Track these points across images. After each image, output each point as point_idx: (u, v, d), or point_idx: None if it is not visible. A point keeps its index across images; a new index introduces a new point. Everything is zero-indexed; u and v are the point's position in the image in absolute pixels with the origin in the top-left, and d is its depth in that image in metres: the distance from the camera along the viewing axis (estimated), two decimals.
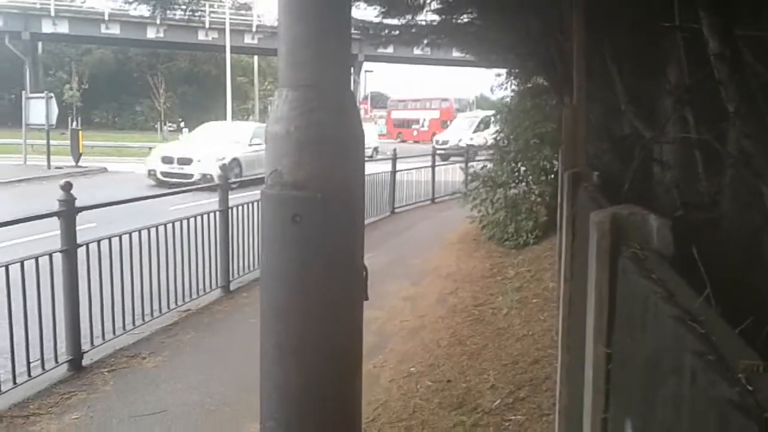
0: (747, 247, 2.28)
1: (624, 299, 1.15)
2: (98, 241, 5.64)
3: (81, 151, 24.58)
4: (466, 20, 9.63)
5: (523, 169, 10.39)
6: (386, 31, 11.90)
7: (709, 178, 2.78)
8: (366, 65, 49.57)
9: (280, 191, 1.59)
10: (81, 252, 5.37)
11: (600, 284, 1.28)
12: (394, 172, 14.53)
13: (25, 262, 4.79)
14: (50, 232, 7.56)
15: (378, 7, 9.46)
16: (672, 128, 3.65)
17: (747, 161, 2.42)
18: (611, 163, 4.59)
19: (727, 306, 1.21)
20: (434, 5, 8.90)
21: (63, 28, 41.08)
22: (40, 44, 47.95)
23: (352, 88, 1.83)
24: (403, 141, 45.51)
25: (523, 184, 10.38)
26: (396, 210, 14.38)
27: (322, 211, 1.58)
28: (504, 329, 6.05)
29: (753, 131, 2.26)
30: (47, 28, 40.98)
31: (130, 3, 7.53)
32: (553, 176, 9.38)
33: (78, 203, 5.25)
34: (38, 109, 22.45)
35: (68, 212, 5.10)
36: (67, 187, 5.13)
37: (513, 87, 13.40)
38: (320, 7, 1.60)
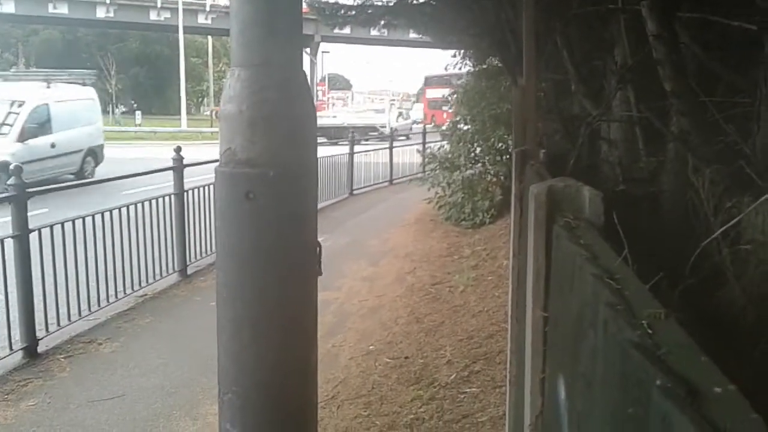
0: (683, 218, 2.41)
1: (557, 265, 1.23)
2: (51, 226, 5.55)
3: None
4: (421, 1, 9.67)
5: (479, 150, 10.52)
6: (342, 12, 11.86)
7: (649, 155, 2.90)
8: (323, 46, 49.08)
9: (233, 169, 1.63)
10: (34, 238, 5.29)
11: (537, 252, 1.36)
12: (352, 153, 14.55)
13: None
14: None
15: None
16: (618, 107, 3.79)
17: (684, 138, 2.55)
18: (561, 142, 4.72)
19: (664, 270, 1.30)
20: None
21: (9, 7, 39.47)
22: None
23: (305, 68, 1.87)
24: (436, 126, 30.48)
25: (480, 165, 10.51)
26: (354, 192, 14.42)
27: (275, 188, 1.62)
28: (460, 306, 6.18)
29: (689, 109, 2.38)
30: None
31: None
32: (508, 157, 9.53)
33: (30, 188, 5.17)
34: None
35: (19, 197, 5.01)
36: (17, 171, 5.04)
37: (469, 68, 13.50)
38: None
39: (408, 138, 25.48)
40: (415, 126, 36.75)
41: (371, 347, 5.43)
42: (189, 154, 7.94)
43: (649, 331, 0.69)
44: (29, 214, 5.18)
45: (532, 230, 1.41)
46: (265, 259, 1.65)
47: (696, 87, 2.27)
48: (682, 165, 2.54)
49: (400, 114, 43.54)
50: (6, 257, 5.01)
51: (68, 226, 5.71)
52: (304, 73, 1.73)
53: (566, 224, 1.21)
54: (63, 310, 5.64)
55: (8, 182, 5.03)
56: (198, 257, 8.06)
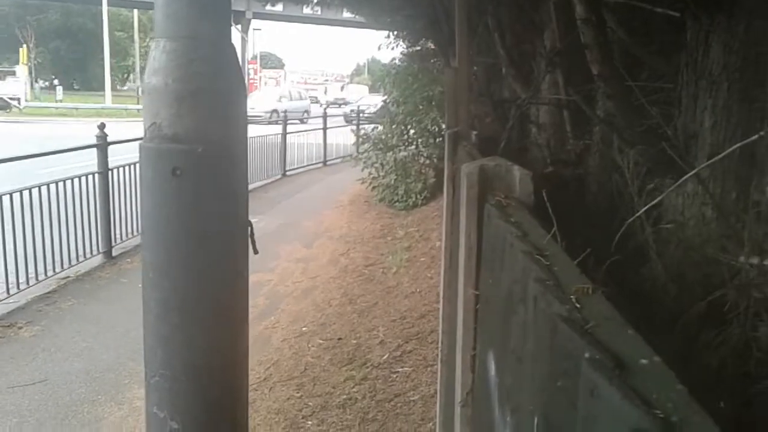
0: (608, 199, 2.48)
1: (488, 243, 1.25)
2: None
3: None
4: None
5: (412, 131, 10.57)
6: None
7: (576, 137, 2.98)
8: (254, 23, 48.04)
9: (159, 144, 1.57)
10: None
11: (469, 231, 1.37)
12: (284, 134, 14.37)
13: None
14: None
15: None
16: (547, 90, 3.86)
17: (610, 121, 2.62)
18: (492, 125, 4.78)
19: (591, 248, 1.33)
20: None
21: None
22: None
23: (236, 45, 1.81)
24: None
25: (413, 146, 10.57)
26: (287, 173, 14.27)
27: (203, 164, 1.57)
28: (393, 287, 6.22)
29: (614, 92, 2.44)
30: None
31: None
32: (440, 139, 9.62)
33: None
34: None
35: None
36: None
37: (402, 50, 13.51)
38: None
39: (303, 122, 25.38)
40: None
41: (304, 329, 5.41)
42: (114, 131, 7.64)
43: (577, 306, 0.70)
44: None
45: (463, 209, 1.42)
46: (194, 237, 1.60)
47: (622, 71, 2.33)
48: (607, 147, 2.62)
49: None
50: None
51: None
52: (233, 47, 1.67)
53: (497, 203, 1.22)
54: None
55: None
56: (124, 238, 7.82)
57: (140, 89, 44.69)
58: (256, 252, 1.84)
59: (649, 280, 1.66)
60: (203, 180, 1.58)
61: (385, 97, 12.05)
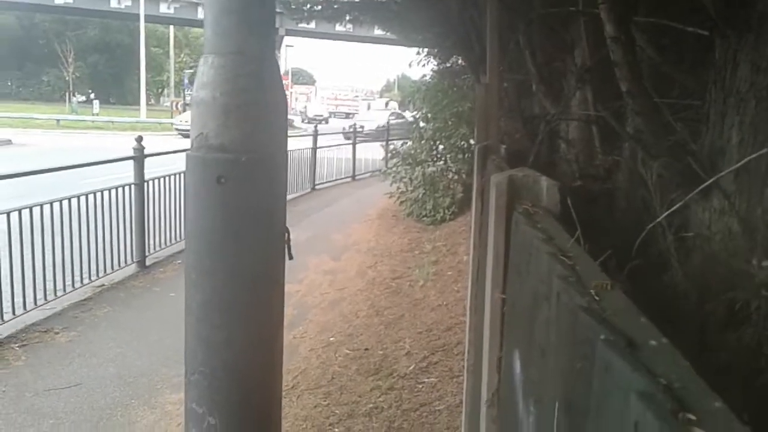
0: (635, 214, 2.52)
1: (516, 248, 1.31)
2: (8, 213, 5.45)
3: None
4: None
5: (441, 147, 10.64)
6: (308, 6, 11.85)
7: (605, 153, 3.02)
8: (287, 40, 48.72)
9: (206, 154, 1.67)
10: None
11: (497, 238, 1.44)
12: (315, 148, 14.55)
13: None
14: None
15: None
16: (577, 107, 3.91)
17: (639, 138, 2.66)
18: (522, 141, 4.83)
19: (614, 256, 1.39)
20: None
21: None
22: None
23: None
24: None
25: (441, 162, 10.64)
26: (317, 187, 14.43)
27: (245, 173, 1.66)
28: (420, 300, 6.27)
29: (643, 110, 2.49)
30: None
31: None
32: (469, 155, 9.67)
33: None
34: None
35: None
36: None
37: (432, 66, 13.61)
38: None
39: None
40: None
41: (331, 339, 5.48)
42: (148, 144, 7.84)
43: (596, 298, 0.76)
44: None
45: (492, 217, 1.49)
46: (235, 242, 1.69)
47: (650, 88, 2.37)
48: (636, 163, 2.66)
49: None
50: None
51: (25, 213, 5.62)
52: (276, 63, 1.78)
53: (525, 211, 1.28)
54: (18, 299, 5.54)
55: None
56: (157, 248, 8.00)
57: (174, 104, 45.54)
58: (291, 257, 1.93)
59: (670, 287, 1.71)
60: (246, 188, 1.68)
61: (414, 112, 12.15)
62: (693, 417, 0.49)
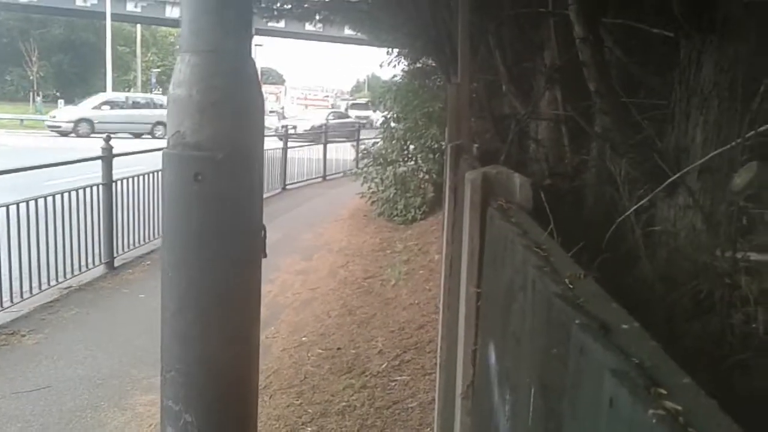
0: (604, 211, 2.58)
1: (491, 243, 1.35)
2: None
3: None
4: None
5: (411, 147, 10.71)
6: (278, 5, 11.80)
7: (573, 152, 3.08)
8: (256, 39, 48.34)
9: (182, 151, 1.67)
10: None
11: (472, 233, 1.47)
12: (285, 148, 14.51)
13: None
14: None
15: None
16: (546, 107, 3.98)
17: (606, 136, 2.73)
18: (492, 140, 4.90)
19: (585, 251, 1.43)
20: None
21: None
22: None
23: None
24: None
25: (412, 162, 10.70)
26: (287, 186, 14.39)
27: (222, 171, 1.67)
28: (392, 299, 6.31)
29: (611, 109, 2.55)
30: None
31: None
32: (440, 154, 9.75)
33: None
34: None
35: None
36: None
37: (403, 67, 13.67)
38: None
39: None
40: None
41: (304, 339, 5.48)
42: (115, 145, 7.73)
43: (570, 286, 0.80)
44: None
45: (467, 214, 1.52)
46: (212, 239, 1.69)
47: (618, 88, 2.44)
48: (604, 162, 2.72)
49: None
50: None
51: None
52: (252, 61, 1.78)
53: (499, 206, 1.32)
54: None
55: None
56: (126, 249, 7.90)
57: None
58: (265, 255, 1.94)
59: (638, 280, 1.76)
60: (223, 185, 1.68)
61: (385, 112, 12.19)
62: (664, 392, 0.52)
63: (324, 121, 27.59)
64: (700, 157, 2.21)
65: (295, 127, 22.75)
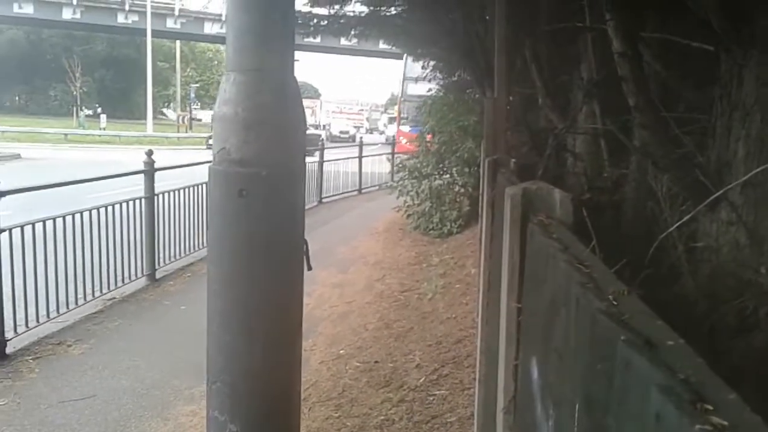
0: (644, 225, 2.56)
1: (531, 258, 1.36)
2: (21, 227, 5.52)
3: None
4: (393, 12, 9.83)
5: (446, 160, 10.70)
6: (314, 21, 11.95)
7: (613, 166, 3.07)
8: None
9: (227, 168, 1.73)
10: (4, 238, 5.26)
11: (512, 249, 1.49)
12: (321, 162, 14.64)
13: None
14: None
15: None
16: (584, 120, 3.96)
17: (646, 151, 2.71)
18: (529, 154, 4.89)
19: (627, 265, 1.43)
20: None
21: None
22: None
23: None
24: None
25: (448, 175, 10.69)
26: (323, 200, 14.51)
27: (266, 187, 1.72)
28: (429, 313, 6.30)
29: (650, 123, 2.54)
30: None
31: None
32: (476, 168, 9.72)
33: None
34: None
35: None
36: None
37: (438, 80, 13.70)
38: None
39: None
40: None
41: (341, 351, 5.51)
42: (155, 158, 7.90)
43: (614, 303, 0.81)
44: None
45: (507, 229, 1.53)
46: (256, 253, 1.74)
47: (657, 102, 2.43)
48: (643, 176, 2.71)
49: None
50: None
51: (39, 227, 5.68)
52: (295, 79, 1.83)
53: (539, 222, 1.33)
54: (31, 311, 5.60)
55: None
56: (167, 262, 8.06)
57: (180, 118, 45.81)
58: (309, 268, 1.99)
59: (680, 297, 1.75)
60: (266, 200, 1.73)
61: (420, 126, 12.23)
62: (710, 407, 0.54)
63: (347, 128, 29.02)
64: (742, 172, 2.18)
65: (327, 130, 23.32)
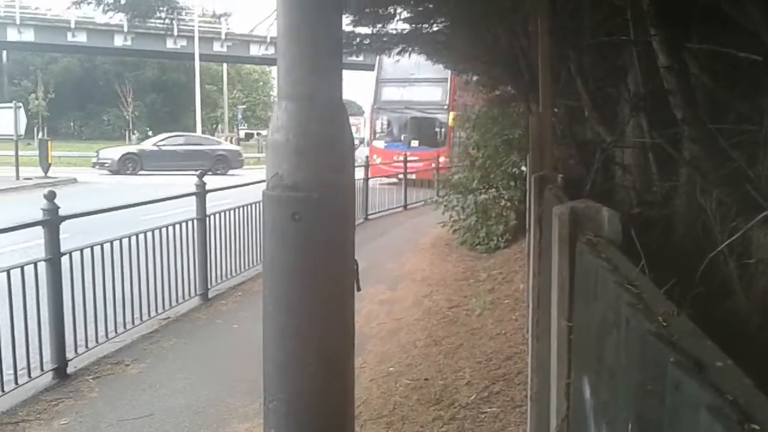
0: (695, 240, 2.53)
1: (580, 277, 1.37)
2: (81, 250, 5.73)
3: (50, 161, 24.33)
4: (435, 29, 9.88)
5: (492, 174, 10.67)
6: (357, 40, 12.11)
7: (662, 179, 3.03)
8: None
9: (281, 192, 1.79)
10: (64, 261, 5.46)
11: (561, 267, 1.50)
12: (367, 179, 14.75)
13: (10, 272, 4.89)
14: (19, 244, 7.66)
15: (350, 17, 9.64)
16: (631, 133, 3.93)
17: (696, 164, 2.68)
18: (576, 167, 4.86)
19: (677, 282, 1.43)
20: (404, 14, 9.14)
21: (28, 36, 40.38)
22: (5, 53, 47.18)
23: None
24: None
25: (493, 189, 10.66)
26: (369, 216, 14.59)
27: (318, 210, 1.78)
28: (478, 329, 6.28)
29: (699, 137, 2.52)
30: (12, 36, 40.19)
31: (105, 12, 7.59)
32: (521, 181, 9.67)
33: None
34: (5, 120, 22.15)
35: (52, 221, 5.20)
36: (50, 196, 5.24)
37: (482, 94, 13.70)
38: (314, 28, 1.80)
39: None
40: None
41: (391, 369, 5.53)
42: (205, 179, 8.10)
43: (664, 324, 0.83)
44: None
45: (556, 248, 1.55)
46: (309, 274, 1.80)
47: (706, 115, 2.41)
48: (694, 189, 2.68)
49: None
50: (39, 280, 5.18)
51: (97, 249, 5.89)
52: (344, 106, 1.89)
53: (588, 241, 1.35)
54: (90, 331, 5.79)
55: (42, 207, 5.22)
56: (219, 281, 8.22)
57: (228, 139, 46.75)
58: (359, 289, 2.03)
59: (733, 313, 1.73)
60: (318, 223, 1.79)
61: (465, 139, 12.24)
62: (757, 427, 0.55)
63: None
64: None
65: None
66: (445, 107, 22.19)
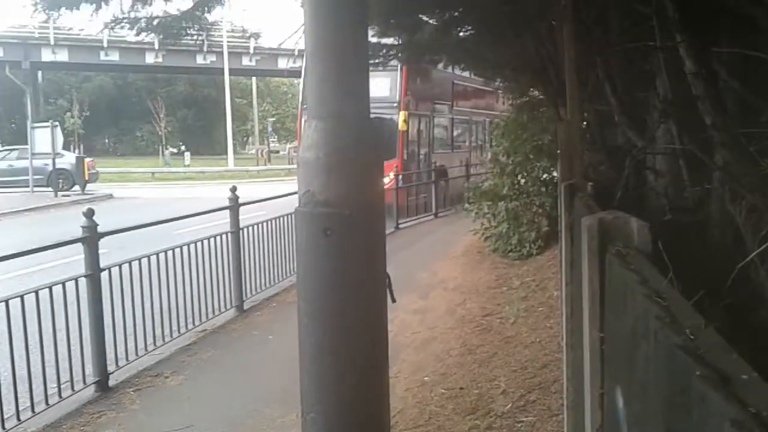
0: (728, 245, 2.51)
1: (610, 289, 1.38)
2: (120, 265, 5.87)
3: (86, 178, 24.89)
4: (462, 37, 9.90)
5: (522, 181, 10.61)
6: (384, 51, 12.18)
7: (694, 185, 3.01)
8: None
9: (313, 209, 1.84)
10: (104, 276, 5.60)
11: (592, 278, 1.51)
12: (397, 189, 14.78)
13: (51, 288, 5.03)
14: (56, 261, 7.86)
15: (376, 28, 9.70)
16: (662, 139, 3.90)
17: (727, 170, 2.66)
18: (606, 173, 4.83)
19: (707, 291, 1.43)
20: (431, 23, 9.17)
21: (62, 56, 41.38)
22: (40, 73, 48.34)
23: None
24: None
25: (524, 195, 10.60)
26: (400, 225, 14.61)
27: (349, 225, 1.82)
28: (512, 337, 6.25)
29: (728, 142, 2.50)
30: (47, 56, 41.20)
31: (138, 35, 7.77)
32: (552, 187, 9.61)
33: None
34: (43, 138, 22.75)
35: (92, 238, 5.34)
36: (89, 213, 5.38)
37: (510, 101, 13.67)
38: (341, 48, 1.85)
39: None
40: None
41: (426, 378, 5.54)
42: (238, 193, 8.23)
43: (691, 337, 0.84)
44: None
45: (585, 259, 1.56)
46: (342, 288, 1.83)
47: (736, 120, 2.39)
48: (725, 193, 2.65)
49: None
50: (79, 295, 5.33)
51: (135, 264, 6.02)
52: (371, 122, 1.93)
53: (618, 252, 1.36)
54: (130, 345, 5.91)
55: (81, 224, 5.36)
56: (253, 293, 8.32)
57: (259, 152, 47.28)
58: (393, 301, 2.06)
59: (765, 322, 1.72)
60: (350, 238, 1.82)
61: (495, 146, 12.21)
62: None
63: None
64: None
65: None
66: (395, 105, 16.69)
